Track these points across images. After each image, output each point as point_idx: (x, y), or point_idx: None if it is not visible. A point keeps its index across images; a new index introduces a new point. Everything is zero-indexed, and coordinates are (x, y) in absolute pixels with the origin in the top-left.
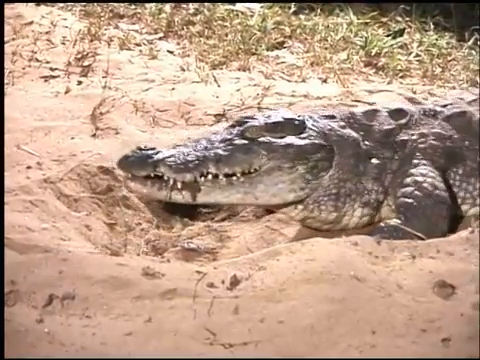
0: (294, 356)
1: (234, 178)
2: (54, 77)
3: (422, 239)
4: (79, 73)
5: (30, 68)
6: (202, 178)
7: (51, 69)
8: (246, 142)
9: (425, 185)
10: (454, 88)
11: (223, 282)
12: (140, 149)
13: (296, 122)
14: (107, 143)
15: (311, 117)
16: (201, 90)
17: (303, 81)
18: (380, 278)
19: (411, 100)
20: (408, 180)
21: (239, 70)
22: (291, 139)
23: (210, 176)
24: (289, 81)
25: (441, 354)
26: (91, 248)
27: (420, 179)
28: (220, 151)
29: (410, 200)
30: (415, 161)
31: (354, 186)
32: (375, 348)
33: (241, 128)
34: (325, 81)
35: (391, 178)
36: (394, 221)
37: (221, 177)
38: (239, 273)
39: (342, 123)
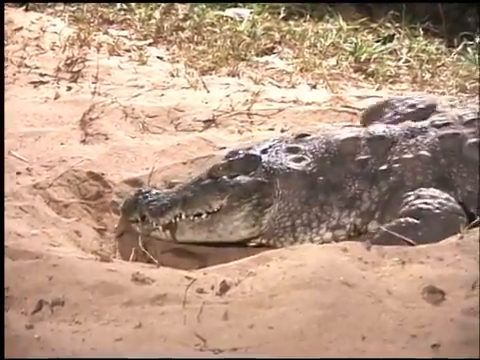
0: None
1: (203, 217)
2: (44, 83)
3: (412, 245)
4: (69, 79)
5: (20, 74)
6: (177, 219)
7: (41, 75)
8: (208, 182)
9: (430, 194)
10: (444, 94)
11: (213, 288)
12: (136, 193)
13: (252, 158)
14: (97, 149)
15: (277, 151)
16: (190, 96)
17: (293, 87)
18: (370, 284)
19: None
20: (410, 198)
21: (228, 76)
22: (240, 178)
23: (183, 217)
24: (279, 87)
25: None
26: (81, 254)
27: (422, 193)
28: (188, 193)
29: (422, 205)
30: (406, 189)
31: (314, 216)
32: (365, 353)
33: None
34: (314, 87)
35: (371, 206)
36: (413, 222)
37: (191, 218)
38: (229, 279)
39: (300, 155)
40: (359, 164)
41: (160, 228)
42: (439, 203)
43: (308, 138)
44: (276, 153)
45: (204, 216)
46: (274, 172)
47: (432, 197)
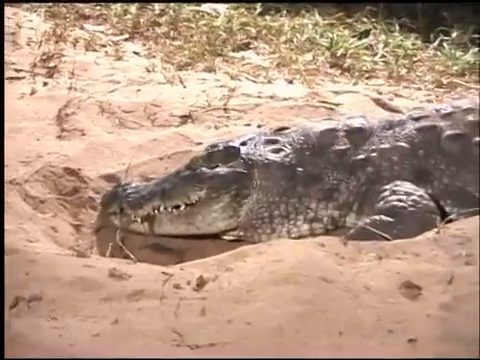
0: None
1: (181, 209)
2: (20, 78)
3: (388, 240)
4: (45, 74)
5: None
6: (156, 211)
7: (17, 70)
8: (187, 174)
9: (405, 190)
10: (420, 89)
11: (190, 283)
12: (116, 186)
13: (231, 150)
14: (73, 144)
15: (256, 143)
16: (167, 91)
17: (269, 82)
18: (347, 279)
19: (383, 105)
20: (386, 193)
21: (205, 71)
22: (219, 169)
23: (162, 209)
24: (255, 82)
25: (408, 355)
26: (58, 250)
27: (397, 188)
28: (167, 185)
29: (396, 202)
30: (383, 181)
31: (292, 207)
32: (343, 349)
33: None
34: (291, 82)
35: (349, 198)
36: (387, 220)
37: (170, 209)
38: (206, 274)
39: (278, 147)
40: (337, 155)
41: (139, 220)
42: (413, 201)
43: (287, 131)
44: (255, 145)
45: (182, 208)
46: (253, 163)
47: (406, 194)
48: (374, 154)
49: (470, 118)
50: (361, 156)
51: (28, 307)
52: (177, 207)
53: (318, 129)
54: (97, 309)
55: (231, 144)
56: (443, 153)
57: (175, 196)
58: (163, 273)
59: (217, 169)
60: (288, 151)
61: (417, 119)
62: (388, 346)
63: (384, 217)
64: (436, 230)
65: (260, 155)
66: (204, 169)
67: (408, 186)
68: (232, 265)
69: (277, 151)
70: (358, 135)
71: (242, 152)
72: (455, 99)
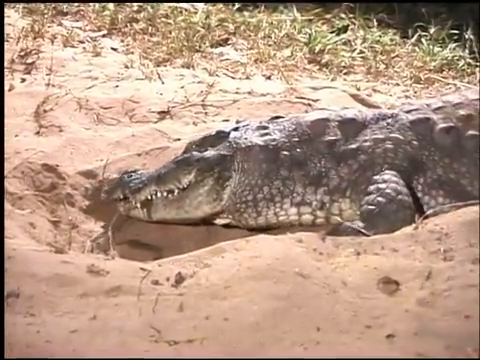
0: (239, 353)
1: (175, 194)
2: None
3: (367, 236)
4: (23, 70)
5: None
6: (153, 197)
7: None
8: (179, 159)
9: (388, 191)
10: (398, 85)
11: (168, 279)
12: (122, 173)
13: (221, 135)
14: (51, 141)
15: (247, 129)
16: (145, 87)
17: (247, 78)
18: (325, 275)
19: (361, 101)
20: (371, 188)
21: (183, 67)
22: (206, 152)
23: (159, 194)
24: (233, 78)
25: (386, 350)
26: (36, 246)
27: (382, 186)
28: (163, 170)
29: (373, 207)
30: (376, 167)
31: (276, 190)
32: (320, 345)
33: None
34: (269, 78)
35: (340, 183)
36: (357, 224)
37: (165, 194)
38: (184, 270)
39: (266, 132)
40: (327, 144)
41: (138, 206)
42: (391, 208)
43: (280, 120)
44: (245, 131)
45: (176, 192)
46: (236, 146)
47: (387, 196)
48: (367, 143)
49: (461, 112)
50: (353, 145)
51: (6, 304)
52: (171, 192)
53: (310, 118)
54: (75, 305)
55: (222, 129)
56: (436, 145)
57: (168, 180)
58: (141, 269)
59: (205, 152)
60: (275, 136)
61: (409, 111)
62: (366, 341)
63: (362, 224)
64: (414, 226)
65: (245, 139)
66: (194, 153)
67: (392, 186)
68: (210, 261)
69: (263, 135)
70: (350, 126)
71: (230, 136)
72: (439, 94)
